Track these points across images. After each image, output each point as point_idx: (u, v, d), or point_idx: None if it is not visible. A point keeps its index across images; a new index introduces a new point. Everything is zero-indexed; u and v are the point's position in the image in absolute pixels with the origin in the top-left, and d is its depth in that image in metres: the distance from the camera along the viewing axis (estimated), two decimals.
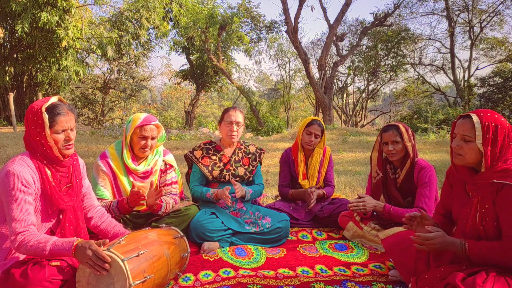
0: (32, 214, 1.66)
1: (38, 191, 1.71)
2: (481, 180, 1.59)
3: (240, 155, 2.89)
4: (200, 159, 2.80)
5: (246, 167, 2.88)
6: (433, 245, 1.63)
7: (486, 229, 1.59)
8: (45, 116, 1.67)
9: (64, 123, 1.71)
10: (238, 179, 2.81)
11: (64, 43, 11.95)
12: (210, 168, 2.78)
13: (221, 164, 2.81)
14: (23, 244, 1.58)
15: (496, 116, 1.59)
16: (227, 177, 2.77)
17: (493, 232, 1.57)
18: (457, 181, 1.80)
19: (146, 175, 2.51)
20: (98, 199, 2.18)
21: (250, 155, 2.93)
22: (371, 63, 21.49)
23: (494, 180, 1.54)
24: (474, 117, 1.58)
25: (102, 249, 1.55)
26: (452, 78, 20.58)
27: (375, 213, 2.69)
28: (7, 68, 13.91)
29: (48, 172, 1.75)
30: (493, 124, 1.56)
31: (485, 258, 1.55)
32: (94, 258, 1.50)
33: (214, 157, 2.82)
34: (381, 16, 18.33)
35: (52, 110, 1.69)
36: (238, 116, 2.77)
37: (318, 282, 2.00)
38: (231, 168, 2.80)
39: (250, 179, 2.91)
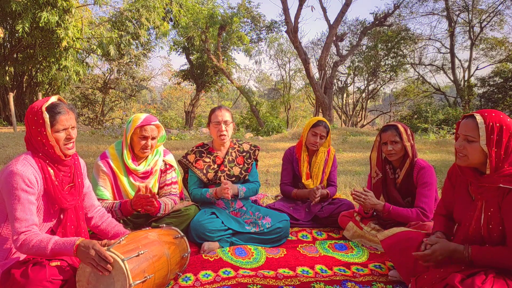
0: (35, 213, 1.66)
1: (40, 190, 1.71)
2: (487, 184, 1.55)
3: (233, 154, 2.88)
4: (193, 163, 2.78)
5: (241, 166, 2.86)
6: (437, 258, 1.64)
7: (491, 233, 1.57)
8: (46, 116, 1.68)
9: (65, 121, 1.72)
10: (233, 179, 2.80)
11: (64, 43, 11.96)
12: (204, 171, 2.77)
13: (215, 166, 2.80)
14: (25, 244, 1.58)
15: (501, 116, 1.54)
16: (222, 179, 2.76)
17: (498, 236, 1.56)
18: (460, 182, 1.78)
19: (146, 175, 2.51)
20: (98, 199, 2.19)
21: (244, 153, 2.91)
22: (371, 63, 21.46)
23: (501, 185, 1.51)
24: (478, 117, 1.54)
25: (104, 249, 1.55)
26: (452, 78, 20.56)
27: (375, 213, 2.70)
28: (7, 68, 13.92)
29: (51, 171, 1.76)
30: (497, 124, 1.52)
31: (488, 263, 1.54)
32: (97, 258, 1.50)
33: (207, 160, 2.81)
34: (381, 16, 18.30)
35: (53, 109, 1.70)
36: (224, 115, 2.75)
37: (318, 282, 2.00)
38: (225, 169, 2.80)
39: (246, 177, 2.89)
